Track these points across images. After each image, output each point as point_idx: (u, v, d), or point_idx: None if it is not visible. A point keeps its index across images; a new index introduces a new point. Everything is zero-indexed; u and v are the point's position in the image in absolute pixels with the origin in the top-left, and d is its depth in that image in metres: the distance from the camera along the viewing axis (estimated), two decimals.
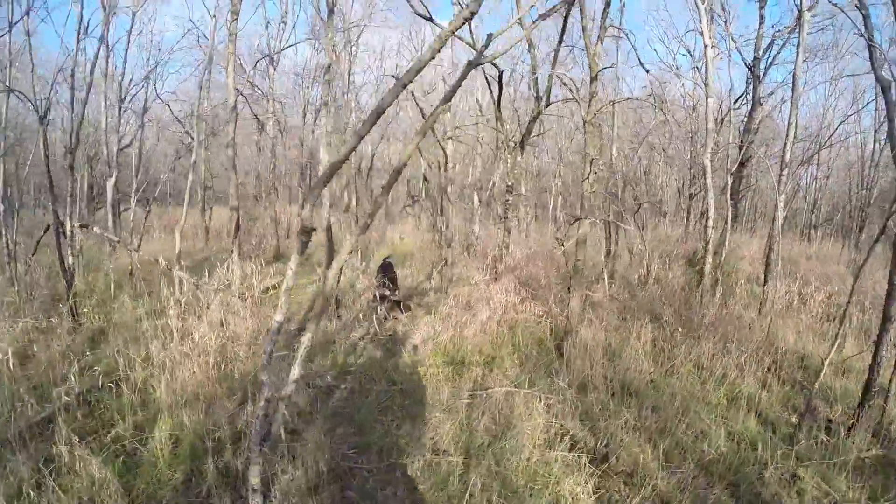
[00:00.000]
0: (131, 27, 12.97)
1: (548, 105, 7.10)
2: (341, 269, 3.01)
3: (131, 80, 13.63)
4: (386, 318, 7.29)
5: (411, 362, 5.77)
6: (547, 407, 4.59)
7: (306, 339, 2.98)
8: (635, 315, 6.48)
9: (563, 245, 5.72)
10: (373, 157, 13.48)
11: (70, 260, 7.28)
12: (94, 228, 7.52)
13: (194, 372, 5.18)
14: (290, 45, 13.55)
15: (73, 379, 4.78)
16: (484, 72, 7.58)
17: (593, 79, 5.15)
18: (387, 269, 8.47)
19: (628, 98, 7.37)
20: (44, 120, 7.16)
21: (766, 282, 7.40)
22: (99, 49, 7.43)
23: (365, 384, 5.40)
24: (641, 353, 5.42)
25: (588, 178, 5.42)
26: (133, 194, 11.08)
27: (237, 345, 6.07)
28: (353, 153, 2.81)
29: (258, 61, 11.33)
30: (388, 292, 7.81)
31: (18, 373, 5.08)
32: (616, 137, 8.68)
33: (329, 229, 6.74)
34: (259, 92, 13.79)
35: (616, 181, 8.63)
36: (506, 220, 8.61)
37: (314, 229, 2.78)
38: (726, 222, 8.44)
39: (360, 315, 7.26)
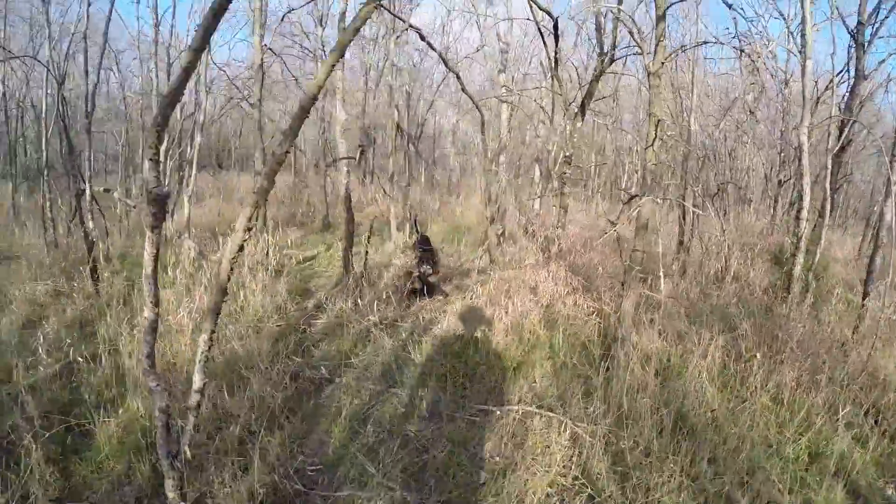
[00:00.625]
0: None
1: (612, 61, 5.93)
2: (242, 247, 2.19)
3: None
4: (409, 302, 6.44)
5: (418, 361, 4.87)
6: (573, 439, 3.59)
7: (202, 341, 2.53)
8: (705, 322, 5.30)
9: (615, 228, 4.61)
10: (423, 123, 12.50)
11: (91, 224, 7.12)
12: (115, 193, 7.10)
13: (166, 351, 4.65)
14: None
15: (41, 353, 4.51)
16: (536, 21, 6.43)
17: (660, 18, 4.00)
18: (423, 246, 7.62)
19: (703, 43, 5.90)
20: (61, 86, 7.10)
21: (865, 294, 5.94)
22: (111, 10, 6.89)
23: (361, 381, 4.58)
24: (706, 377, 4.25)
25: (653, 144, 4.30)
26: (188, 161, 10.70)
27: (231, 323, 5.44)
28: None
29: (285, 14, 10.39)
30: (423, 272, 6.96)
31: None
32: (695, 105, 7.29)
33: (348, 198, 5.92)
34: (304, 50, 12.96)
35: (694, 155, 7.28)
36: (562, 195, 7.51)
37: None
38: (820, 215, 6.95)
39: (385, 295, 6.46)
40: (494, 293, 6.32)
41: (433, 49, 5.12)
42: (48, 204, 8.85)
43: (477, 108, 5.70)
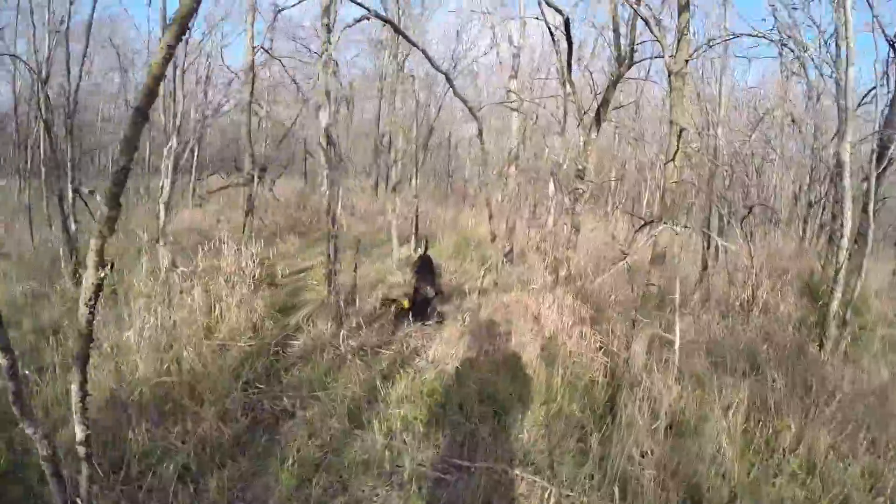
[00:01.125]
0: None
1: (631, 65, 5.29)
2: (99, 288, 1.65)
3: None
4: (396, 326, 5.85)
5: (391, 399, 4.26)
6: None
7: (74, 392, 2.20)
8: (728, 365, 4.62)
9: (625, 257, 3.98)
10: (430, 130, 11.92)
11: (73, 225, 6.91)
12: (97, 196, 6.70)
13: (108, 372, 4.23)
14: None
15: None
16: (545, 20, 5.82)
17: (683, 7, 3.38)
18: (423, 269, 7.07)
19: (735, 36, 5.15)
20: (45, 84, 6.90)
21: None
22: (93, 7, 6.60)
23: (325, 417, 4.01)
24: (726, 437, 3.57)
25: (674, 158, 3.68)
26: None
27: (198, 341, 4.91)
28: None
29: (276, 14, 9.85)
30: (421, 292, 6.38)
31: None
32: (723, 118, 6.57)
33: (331, 211, 5.36)
34: (312, 53, 12.45)
35: (721, 172, 6.58)
36: (573, 213, 6.88)
37: None
38: (857, 242, 6.13)
39: (372, 317, 5.90)
40: (491, 320, 5.72)
41: (413, 45, 4.56)
42: (46, 204, 8.64)
43: (472, 113, 5.15)
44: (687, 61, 3.48)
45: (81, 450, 2.28)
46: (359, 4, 5.30)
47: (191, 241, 7.31)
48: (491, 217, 6.70)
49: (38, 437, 2.17)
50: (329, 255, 5.32)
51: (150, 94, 1.77)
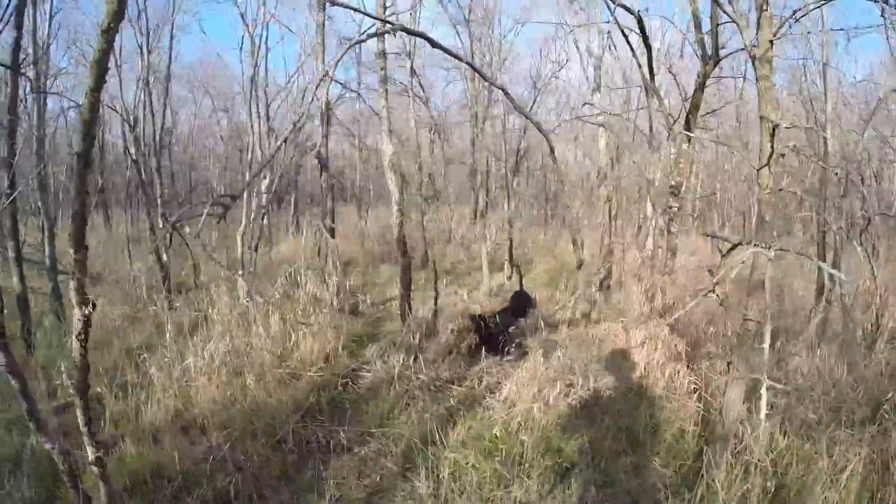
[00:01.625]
0: None
1: (717, 62, 4.67)
2: (87, 323, 1.67)
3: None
4: (472, 359, 5.47)
5: (450, 443, 3.90)
6: None
7: (79, 416, 2.26)
8: (845, 416, 3.83)
9: (713, 287, 3.40)
10: (518, 152, 11.50)
11: (165, 256, 7.26)
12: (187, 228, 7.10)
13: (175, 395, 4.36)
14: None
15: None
16: (618, 23, 5.32)
17: None
18: (518, 303, 6.70)
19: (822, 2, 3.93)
20: (134, 128, 7.65)
21: None
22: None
23: (380, 456, 3.77)
24: None
25: (768, 163, 3.12)
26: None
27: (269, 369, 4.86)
28: None
29: (346, 50, 9.95)
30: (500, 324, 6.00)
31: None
32: (831, 117, 5.62)
33: (401, 239, 5.17)
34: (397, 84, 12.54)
35: (830, 176, 5.65)
36: (669, 235, 6.27)
37: None
38: None
39: (449, 350, 5.57)
40: (575, 356, 5.23)
41: (456, 58, 4.28)
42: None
43: (540, 130, 4.76)
44: (771, 42, 2.93)
45: (95, 470, 2.35)
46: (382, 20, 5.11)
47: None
48: (575, 243, 6.21)
49: (56, 453, 2.28)
50: (402, 285, 5.08)
51: (88, 138, 1.83)
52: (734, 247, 3.18)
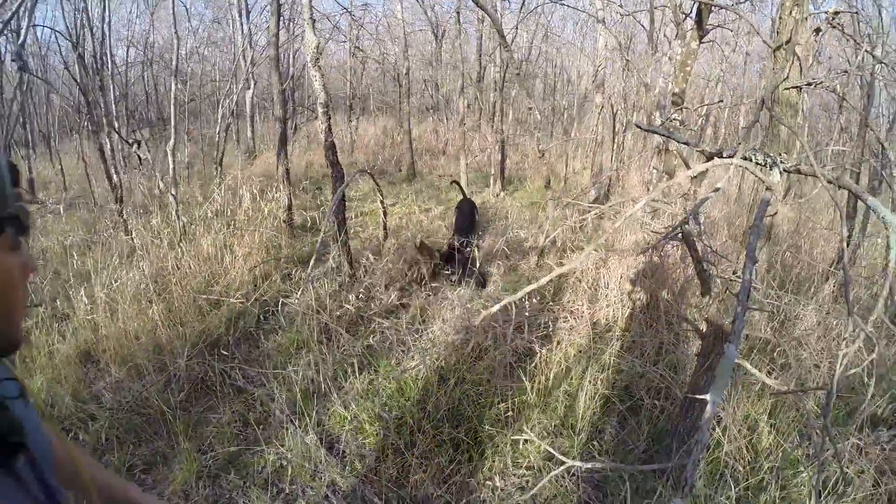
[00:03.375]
0: None
1: None
2: None
3: None
4: (414, 288, 4.91)
5: (347, 393, 3.41)
6: None
7: None
8: (862, 416, 3.14)
9: (681, 229, 2.59)
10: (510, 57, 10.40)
11: (115, 176, 6.54)
12: (136, 146, 6.56)
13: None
14: None
15: None
16: None
17: None
18: (463, 215, 6.09)
19: None
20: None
21: None
22: None
23: (268, 403, 3.30)
24: None
25: (790, 40, 2.35)
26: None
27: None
28: None
29: None
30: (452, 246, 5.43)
31: None
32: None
33: (330, 147, 4.49)
34: None
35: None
36: (667, 153, 5.50)
37: None
38: None
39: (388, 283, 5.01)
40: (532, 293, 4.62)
41: None
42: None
43: (484, 9, 3.96)
44: None
45: None
46: None
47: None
48: (542, 154, 5.44)
49: None
50: (336, 200, 4.44)
51: None
52: (714, 155, 2.24)
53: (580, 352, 3.85)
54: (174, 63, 5.69)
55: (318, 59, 4.20)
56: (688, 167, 2.48)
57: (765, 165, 2.01)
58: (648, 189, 7.75)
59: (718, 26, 7.30)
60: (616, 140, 8.77)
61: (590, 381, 3.31)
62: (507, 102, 10.75)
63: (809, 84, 2.39)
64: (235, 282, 4.85)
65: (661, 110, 6.88)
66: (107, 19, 8.08)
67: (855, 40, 3.86)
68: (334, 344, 3.85)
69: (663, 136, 2.10)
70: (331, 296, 4.42)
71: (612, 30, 7.62)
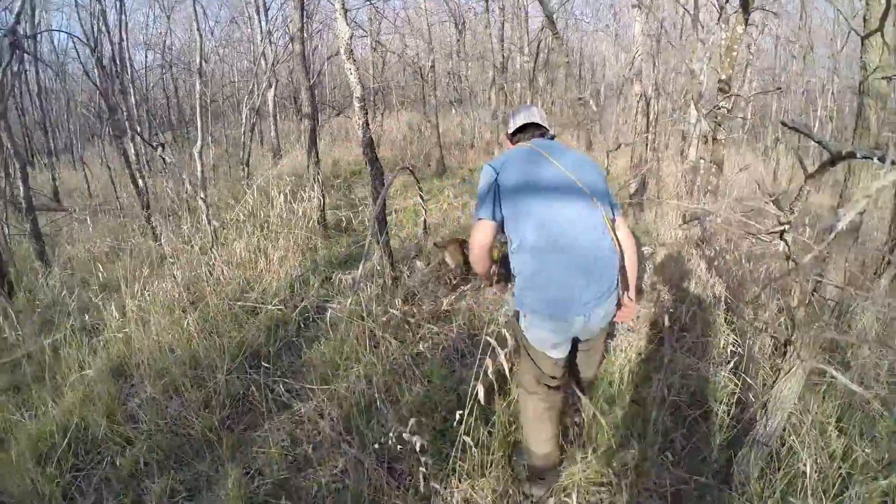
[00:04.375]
0: None
1: None
2: None
3: None
4: (458, 293, 4.59)
5: (403, 399, 3.15)
6: None
7: None
8: None
9: (783, 231, 2.25)
10: (539, 45, 10.05)
11: (141, 181, 6.42)
12: (160, 149, 6.37)
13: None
14: None
15: None
16: None
17: None
18: None
19: None
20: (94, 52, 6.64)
21: None
22: None
23: (316, 419, 3.04)
24: None
25: (881, 27, 2.08)
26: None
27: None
28: None
29: None
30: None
31: None
32: None
33: (369, 144, 4.22)
34: None
35: None
36: (714, 143, 5.16)
37: None
38: None
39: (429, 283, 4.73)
40: None
41: None
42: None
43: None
44: None
45: None
46: None
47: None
48: (618, 147, 5.10)
49: None
50: (373, 200, 4.16)
51: None
52: (832, 161, 1.86)
53: (639, 354, 3.57)
54: (198, 61, 5.44)
55: (351, 50, 3.93)
56: (804, 168, 2.15)
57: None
58: (687, 180, 7.40)
59: (762, 9, 6.93)
60: (651, 130, 8.42)
61: (658, 386, 3.01)
62: (536, 93, 10.38)
63: None
64: (272, 287, 4.62)
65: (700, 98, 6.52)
66: (123, 22, 7.94)
67: None
68: (382, 352, 3.57)
69: (805, 135, 1.77)
70: (374, 300, 4.16)
71: (653, 13, 7.23)
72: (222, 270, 4.75)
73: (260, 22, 10.46)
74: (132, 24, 12.59)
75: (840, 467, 2.59)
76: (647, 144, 8.25)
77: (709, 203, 4.91)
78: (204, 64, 7.01)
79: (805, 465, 2.36)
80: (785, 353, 2.46)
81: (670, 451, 2.70)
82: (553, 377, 2.36)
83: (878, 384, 3.19)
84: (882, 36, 2.12)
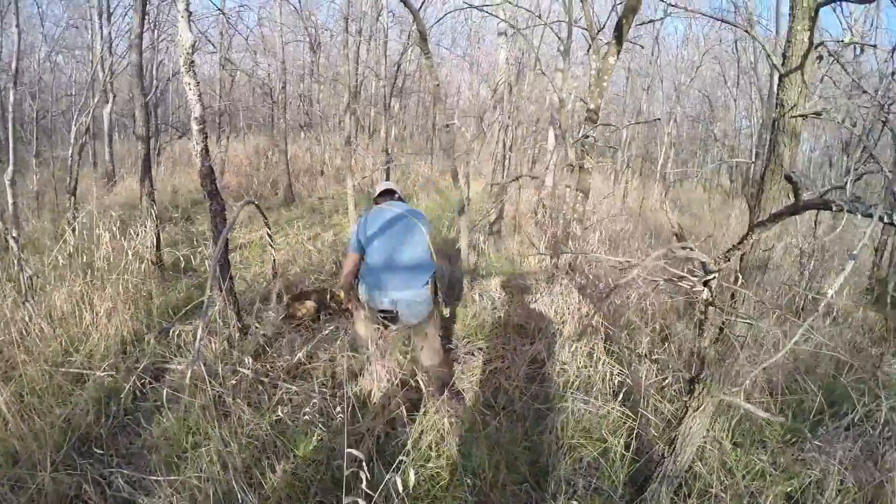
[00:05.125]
0: None
1: None
2: None
3: None
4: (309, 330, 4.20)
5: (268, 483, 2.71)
6: None
7: None
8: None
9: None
10: (397, 69, 9.95)
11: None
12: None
13: None
14: None
15: None
16: None
17: None
18: None
19: None
20: None
21: None
22: None
23: None
24: None
25: (802, 65, 2.12)
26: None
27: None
28: None
29: None
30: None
31: None
32: None
33: (207, 174, 3.69)
34: None
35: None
36: (580, 170, 5.14)
37: None
38: None
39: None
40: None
41: None
42: None
43: (408, 7, 3.48)
44: None
45: None
46: None
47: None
48: (455, 178, 4.95)
49: None
50: (220, 245, 3.55)
51: None
52: (805, 207, 1.70)
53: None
54: (13, 64, 4.57)
55: (192, 62, 3.41)
56: (755, 213, 2.15)
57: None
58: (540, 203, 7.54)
59: (631, 41, 7.27)
60: (507, 157, 8.55)
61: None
62: (390, 118, 10.19)
63: (817, 114, 2.16)
64: (100, 348, 3.92)
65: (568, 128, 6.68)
66: None
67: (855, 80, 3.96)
68: (234, 423, 3.07)
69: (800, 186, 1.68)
70: (220, 357, 3.65)
71: (519, 41, 7.32)
72: (40, 328, 3.97)
73: (101, 27, 9.29)
74: None
75: (744, 478, 2.73)
76: (503, 171, 8.35)
77: (578, 230, 4.94)
78: (34, 74, 6.01)
79: (714, 488, 2.49)
80: (692, 390, 2.44)
81: (574, 498, 2.58)
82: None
83: (755, 389, 3.45)
84: (802, 74, 2.16)
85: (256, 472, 2.76)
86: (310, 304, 4.64)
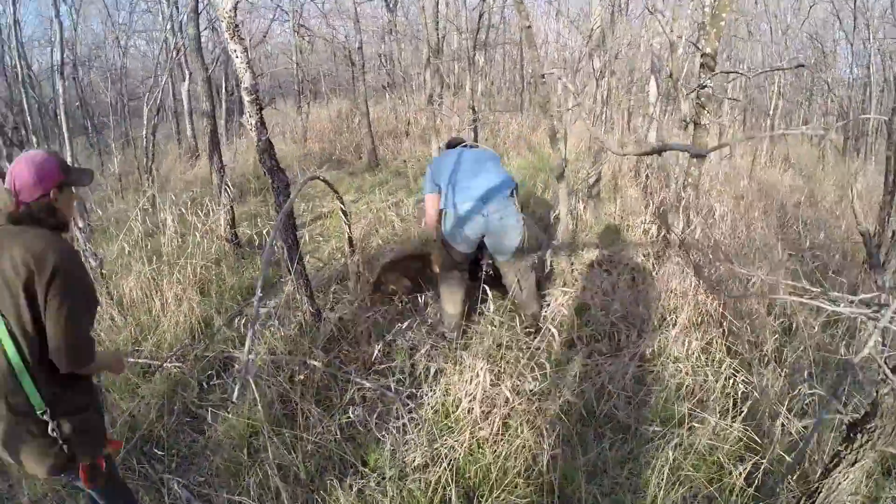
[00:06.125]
0: None
1: None
2: None
3: None
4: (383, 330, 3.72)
5: None
6: None
7: None
8: None
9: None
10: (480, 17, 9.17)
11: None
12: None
13: None
14: None
15: None
16: None
17: None
18: None
19: None
20: None
21: None
22: None
23: None
24: None
25: None
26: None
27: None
28: None
29: None
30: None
31: None
32: None
33: (266, 149, 3.29)
34: None
35: None
36: (696, 126, 4.24)
37: None
38: None
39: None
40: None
41: None
42: None
43: None
44: None
45: None
46: None
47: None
48: (552, 137, 4.24)
49: None
50: (279, 221, 3.05)
51: None
52: None
53: None
54: (59, 51, 4.40)
55: (236, 26, 2.99)
56: None
57: None
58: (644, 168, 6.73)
59: None
60: (604, 112, 7.74)
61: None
62: (475, 73, 9.53)
63: None
64: (167, 336, 3.71)
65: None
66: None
67: None
68: (301, 426, 2.71)
69: None
70: (289, 346, 3.32)
71: None
72: (111, 316, 3.83)
73: (168, 7, 9.25)
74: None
75: None
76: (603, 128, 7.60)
77: (693, 197, 4.17)
78: (117, 60, 5.91)
79: None
80: (852, 440, 1.83)
81: None
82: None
83: None
84: None
85: (319, 484, 2.41)
86: (405, 280, 4.20)
